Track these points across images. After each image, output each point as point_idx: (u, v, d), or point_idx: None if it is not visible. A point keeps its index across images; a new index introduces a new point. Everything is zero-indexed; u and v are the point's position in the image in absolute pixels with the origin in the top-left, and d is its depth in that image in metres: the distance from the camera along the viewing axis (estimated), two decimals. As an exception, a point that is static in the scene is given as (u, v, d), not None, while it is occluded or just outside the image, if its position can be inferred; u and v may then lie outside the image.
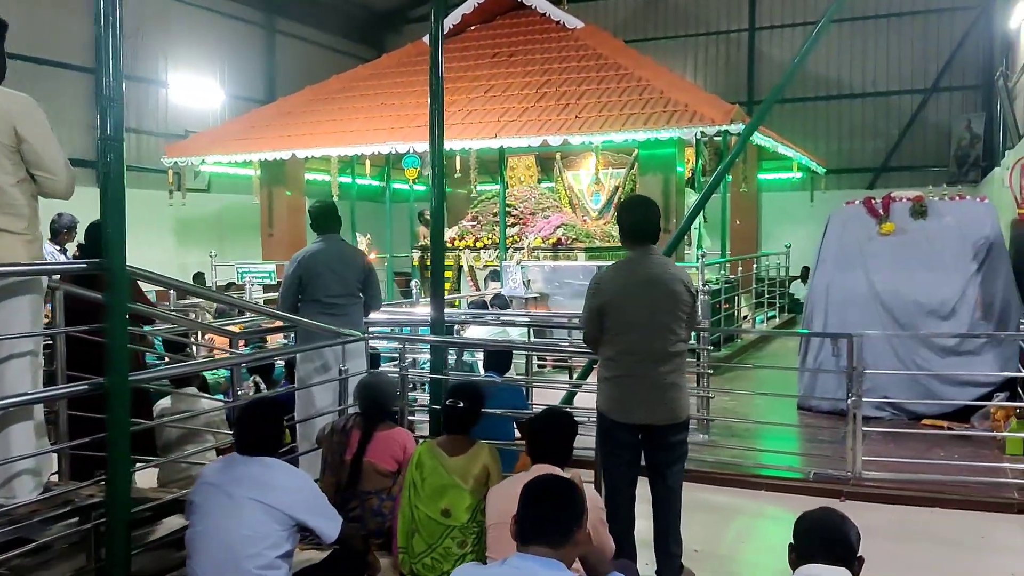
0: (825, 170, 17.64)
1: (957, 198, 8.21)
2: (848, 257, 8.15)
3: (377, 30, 22.49)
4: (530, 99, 11.54)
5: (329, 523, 3.74)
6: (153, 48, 16.50)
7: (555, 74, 12.06)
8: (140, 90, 16.30)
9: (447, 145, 11.28)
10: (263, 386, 6.63)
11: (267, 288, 13.15)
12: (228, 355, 5.77)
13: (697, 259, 10.66)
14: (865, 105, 19.94)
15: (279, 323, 6.88)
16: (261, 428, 3.74)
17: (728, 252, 15.84)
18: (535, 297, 11.19)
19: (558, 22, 13.37)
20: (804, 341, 8.44)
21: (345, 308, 5.98)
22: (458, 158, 11.55)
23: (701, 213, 12.91)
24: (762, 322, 14.75)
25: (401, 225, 18.13)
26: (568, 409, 6.51)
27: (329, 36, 20.89)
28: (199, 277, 15.41)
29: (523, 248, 12.39)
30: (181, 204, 13.08)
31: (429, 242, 14.30)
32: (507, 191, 15.24)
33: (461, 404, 4.50)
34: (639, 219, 4.33)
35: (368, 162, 12.18)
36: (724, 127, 9.85)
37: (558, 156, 15.93)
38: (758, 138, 11.22)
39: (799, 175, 17.41)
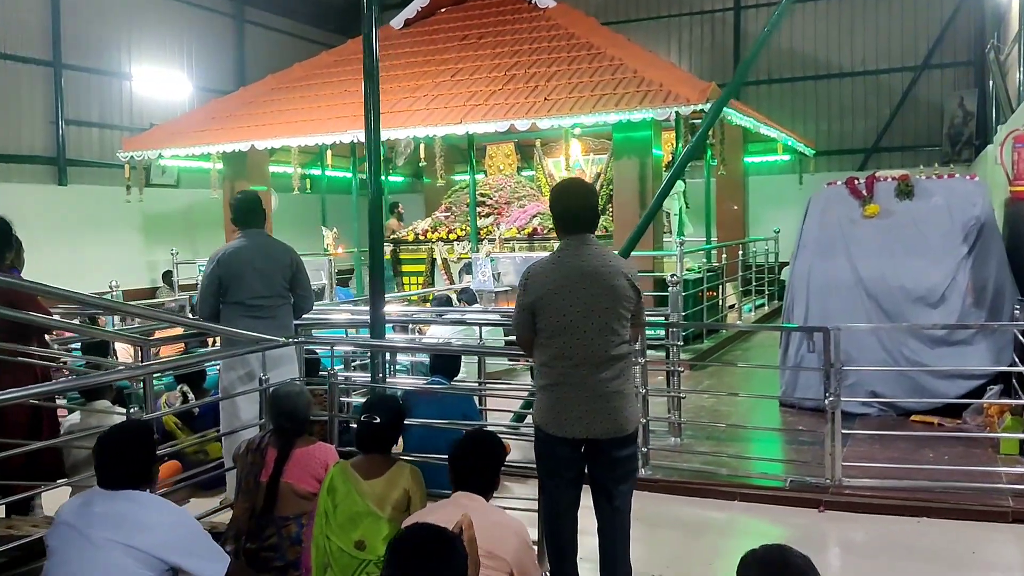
0: (814, 152, 17.07)
1: (946, 176, 7.66)
2: (830, 241, 7.62)
3: (353, 18, 21.76)
4: (498, 82, 10.97)
5: (210, 565, 3.22)
6: (116, 39, 15.90)
7: (525, 55, 11.48)
8: (102, 83, 15.70)
9: (411, 132, 10.78)
10: (191, 396, 6.11)
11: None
12: (130, 365, 5.23)
13: (677, 246, 10.12)
14: (855, 84, 19.34)
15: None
16: (124, 457, 3.22)
17: (715, 238, 15.35)
18: (505, 291, 10.65)
19: (530, 1, 12.79)
20: (784, 332, 7.91)
21: (272, 310, 5.46)
22: (423, 146, 10.97)
23: (682, 198, 12.36)
24: (750, 311, 14.24)
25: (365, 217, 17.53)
26: (523, 417, 5.98)
27: (302, 25, 20.26)
28: (168, 276, 14.86)
29: (495, 239, 11.83)
30: (139, 200, 12.51)
31: (400, 235, 13.89)
32: (484, 179, 14.75)
33: (377, 420, 3.98)
34: (573, 205, 3.80)
35: (330, 152, 11.60)
36: (700, 106, 9.29)
37: (538, 143, 15.39)
38: (738, 118, 10.65)
39: (787, 158, 16.85)
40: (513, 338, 4.15)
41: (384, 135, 10.83)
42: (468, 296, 9.71)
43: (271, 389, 4.63)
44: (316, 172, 16.35)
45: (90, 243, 14.79)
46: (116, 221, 15.07)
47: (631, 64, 10.36)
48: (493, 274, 10.48)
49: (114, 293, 8.82)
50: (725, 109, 9.94)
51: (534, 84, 10.62)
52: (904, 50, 18.86)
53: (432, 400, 5.59)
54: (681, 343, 6.58)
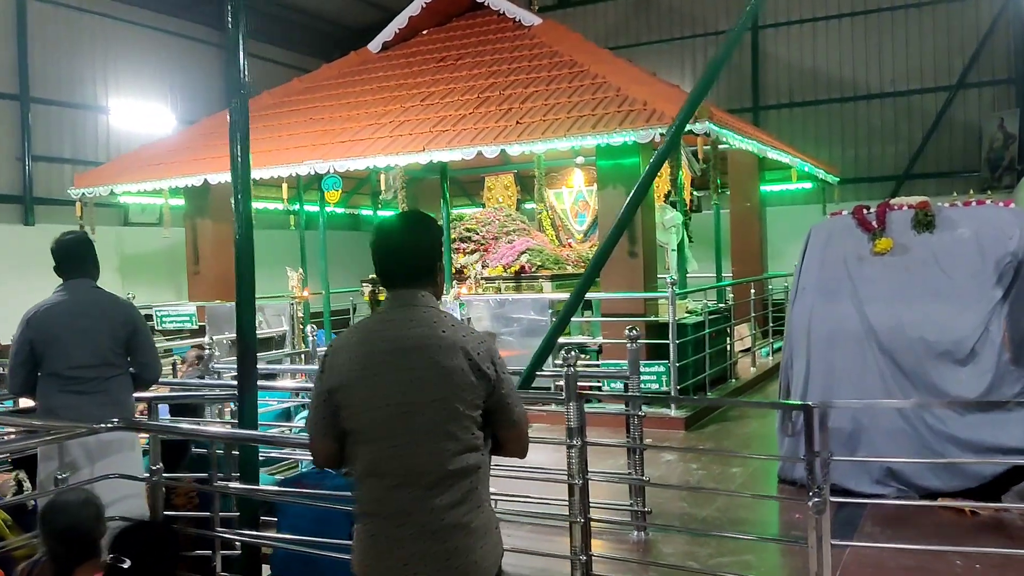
0: (838, 179, 15.70)
1: (974, 203, 6.34)
2: (834, 283, 6.31)
3: (352, 47, 20.98)
4: (469, 106, 9.86)
5: None
6: (90, 71, 15.13)
7: (502, 76, 10.36)
8: (75, 117, 14.91)
9: (370, 162, 9.67)
10: (27, 485, 4.97)
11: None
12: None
13: (668, 287, 8.82)
14: (884, 106, 17.99)
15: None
16: None
17: (729, 274, 14.04)
18: (479, 338, 9.43)
19: (514, 19, 11.70)
20: (782, 392, 6.60)
21: (99, 383, 4.29)
22: (383, 176, 9.87)
23: (682, 230, 11.10)
24: (768, 355, 12.87)
25: (359, 255, 16.52)
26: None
27: (298, 56, 19.41)
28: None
29: (471, 279, 10.67)
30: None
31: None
32: (472, 213, 13.66)
33: (125, 563, 2.79)
34: (390, 248, 2.62)
35: (284, 185, 10.54)
36: (687, 127, 8.07)
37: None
38: (737, 140, 9.38)
39: (808, 186, 15.54)
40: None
41: (342, 166, 9.79)
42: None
43: (47, 501, 3.47)
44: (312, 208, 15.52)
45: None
46: (90, 262, 14.15)
47: (614, 81, 9.19)
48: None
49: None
50: (720, 130, 8.74)
51: (507, 107, 9.49)
52: (937, 69, 17.51)
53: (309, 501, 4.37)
54: (643, 413, 5.29)
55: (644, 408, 9.06)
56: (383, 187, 10.81)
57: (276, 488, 4.42)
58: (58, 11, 14.47)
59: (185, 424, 5.10)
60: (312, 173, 9.84)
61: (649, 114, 8.36)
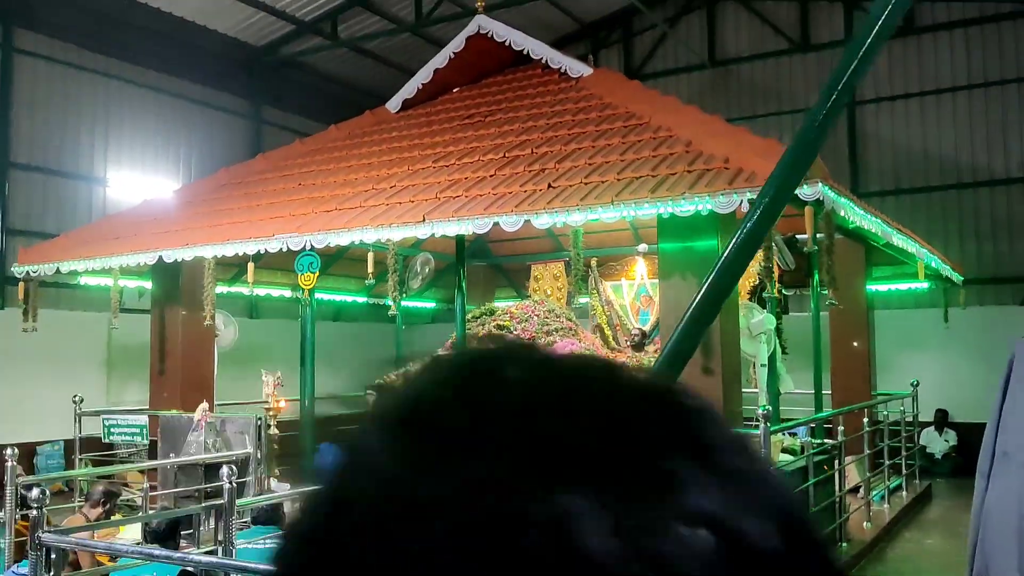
0: (963, 278, 12.85)
1: None
2: (1068, 449, 3.59)
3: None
4: (491, 167, 7.51)
5: None
6: (88, 138, 13.35)
7: (537, 132, 8.03)
8: (65, 187, 13.00)
9: (356, 237, 7.31)
10: None
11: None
12: None
13: (761, 422, 6.10)
14: (1011, 194, 15.09)
15: None
16: None
17: (827, 393, 11.27)
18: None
19: (559, 69, 9.43)
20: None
21: None
22: (371, 254, 7.49)
23: (774, 338, 8.38)
24: (881, 499, 9.93)
25: (377, 350, 14.26)
26: None
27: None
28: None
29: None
30: (32, 328, 9.41)
31: (389, 379, 10.37)
32: (507, 307, 11.26)
33: None
34: None
35: (251, 264, 8.21)
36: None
37: (593, 262, 12.01)
38: (859, 217, 6.77)
39: (925, 285, 12.72)
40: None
41: (321, 240, 7.46)
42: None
43: None
44: (327, 296, 13.39)
45: (37, 381, 11.68)
46: (73, 354, 12.05)
47: (684, 135, 6.74)
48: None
49: None
50: (837, 198, 6.15)
51: (538, 167, 7.11)
52: (1079, 148, 14.68)
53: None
54: None
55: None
56: (388, 272, 8.41)
57: None
58: (52, 68, 12.79)
59: None
60: (285, 249, 7.53)
61: (734, 174, 5.84)
